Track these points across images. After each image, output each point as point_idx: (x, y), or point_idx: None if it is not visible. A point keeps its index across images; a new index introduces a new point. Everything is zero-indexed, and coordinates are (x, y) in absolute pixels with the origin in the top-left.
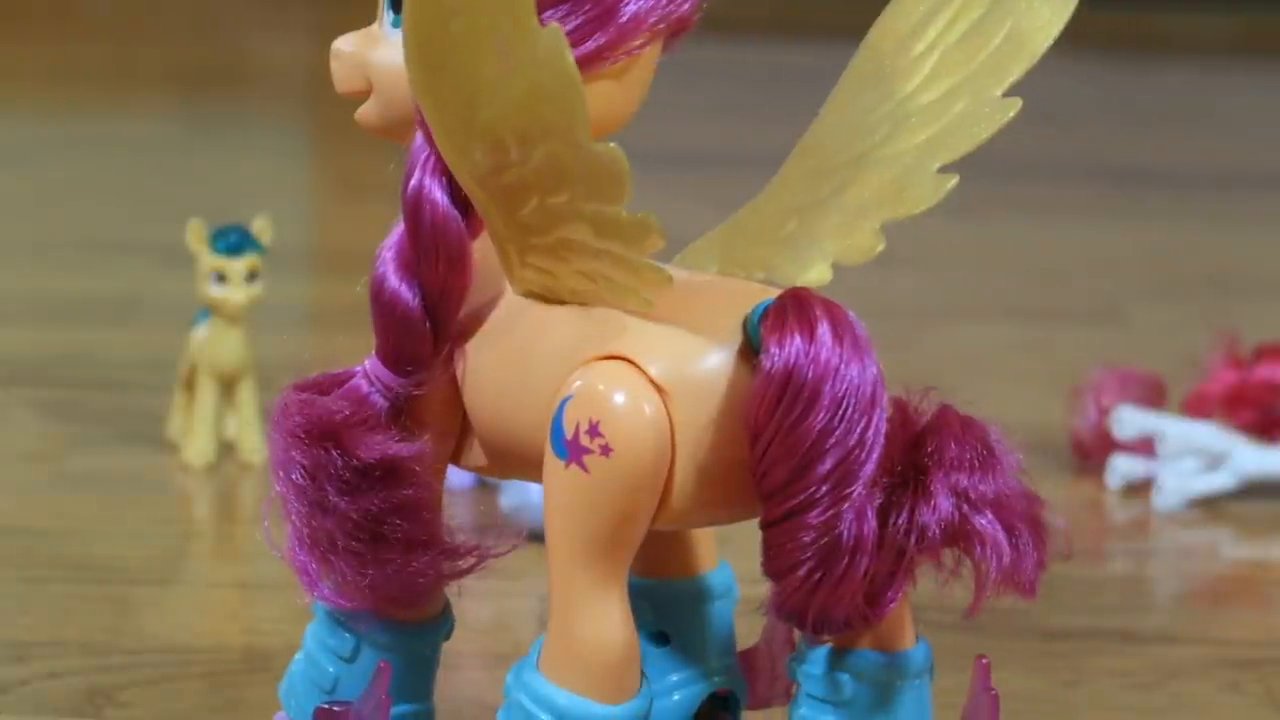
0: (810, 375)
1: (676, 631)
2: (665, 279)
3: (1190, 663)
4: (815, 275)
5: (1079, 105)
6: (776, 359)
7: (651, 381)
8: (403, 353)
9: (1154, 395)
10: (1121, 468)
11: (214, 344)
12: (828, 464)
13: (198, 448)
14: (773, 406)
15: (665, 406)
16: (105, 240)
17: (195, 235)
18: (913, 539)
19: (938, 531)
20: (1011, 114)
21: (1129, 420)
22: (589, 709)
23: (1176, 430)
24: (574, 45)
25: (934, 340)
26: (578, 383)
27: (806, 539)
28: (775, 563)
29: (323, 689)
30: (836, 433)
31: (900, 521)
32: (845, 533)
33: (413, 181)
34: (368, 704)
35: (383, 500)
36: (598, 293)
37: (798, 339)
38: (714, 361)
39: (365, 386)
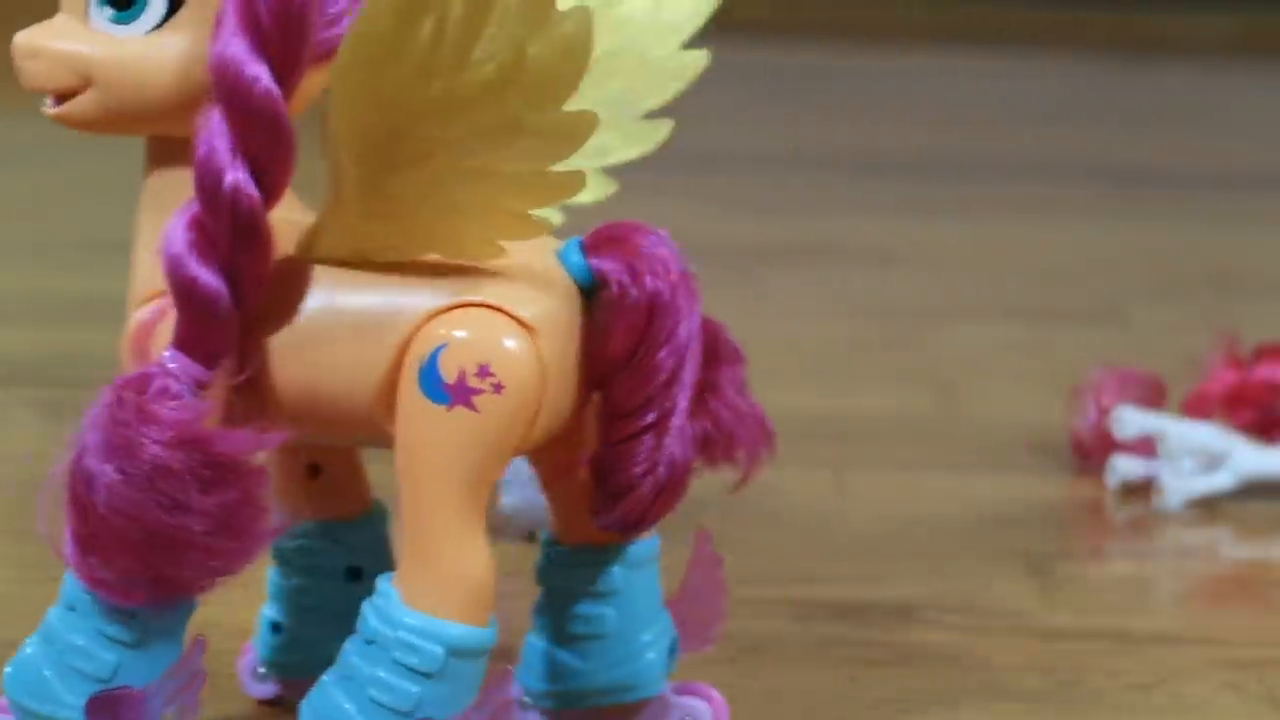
0: (671, 307)
1: (368, 566)
2: (547, 228)
3: (1190, 663)
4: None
5: (1079, 105)
6: (636, 293)
7: (522, 323)
8: (210, 343)
9: (1154, 395)
10: (1121, 468)
11: None
12: (674, 387)
13: None
14: (639, 336)
15: (537, 344)
16: (105, 240)
17: None
18: (712, 432)
19: (728, 420)
20: (701, 64)
21: (1129, 420)
22: (477, 635)
23: (1177, 430)
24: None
25: (934, 340)
26: (450, 331)
27: (649, 457)
28: (617, 479)
29: (98, 679)
30: (683, 361)
31: (702, 422)
32: (678, 447)
33: (228, 178)
34: (175, 680)
35: (235, 492)
36: (433, 249)
37: (658, 273)
38: (564, 299)
39: (174, 384)
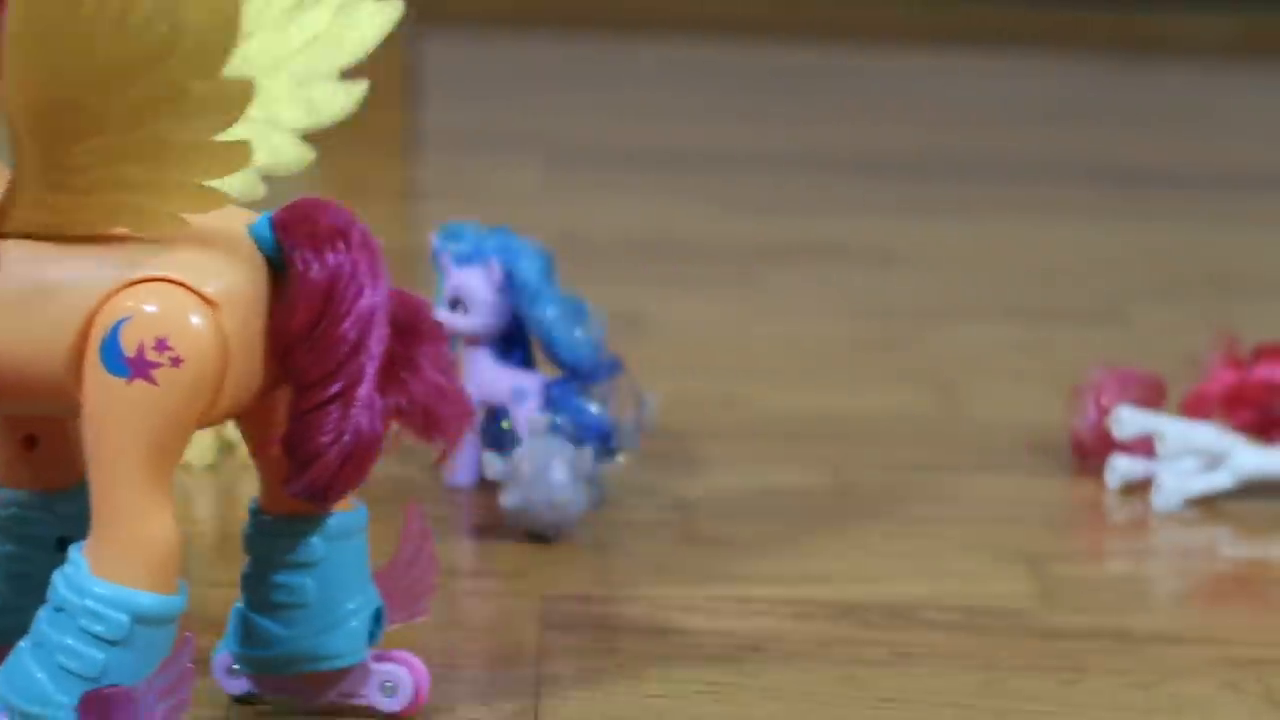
0: (353, 281)
1: (79, 536)
2: (223, 200)
3: (1189, 662)
4: (242, 188)
5: (1079, 105)
6: (318, 267)
7: (203, 297)
8: None
9: (1154, 395)
10: (1121, 467)
11: None
12: (359, 358)
13: (198, 448)
14: (320, 309)
15: (218, 319)
16: None
17: None
18: (404, 407)
19: (424, 398)
20: (395, 15)
21: (1129, 420)
22: (163, 603)
23: (1176, 430)
24: None
25: (934, 340)
26: (132, 304)
27: (334, 426)
28: (305, 448)
29: None
30: (366, 332)
31: (393, 396)
32: (365, 418)
33: None
34: None
35: None
36: (118, 222)
37: (339, 248)
38: (250, 274)
39: None
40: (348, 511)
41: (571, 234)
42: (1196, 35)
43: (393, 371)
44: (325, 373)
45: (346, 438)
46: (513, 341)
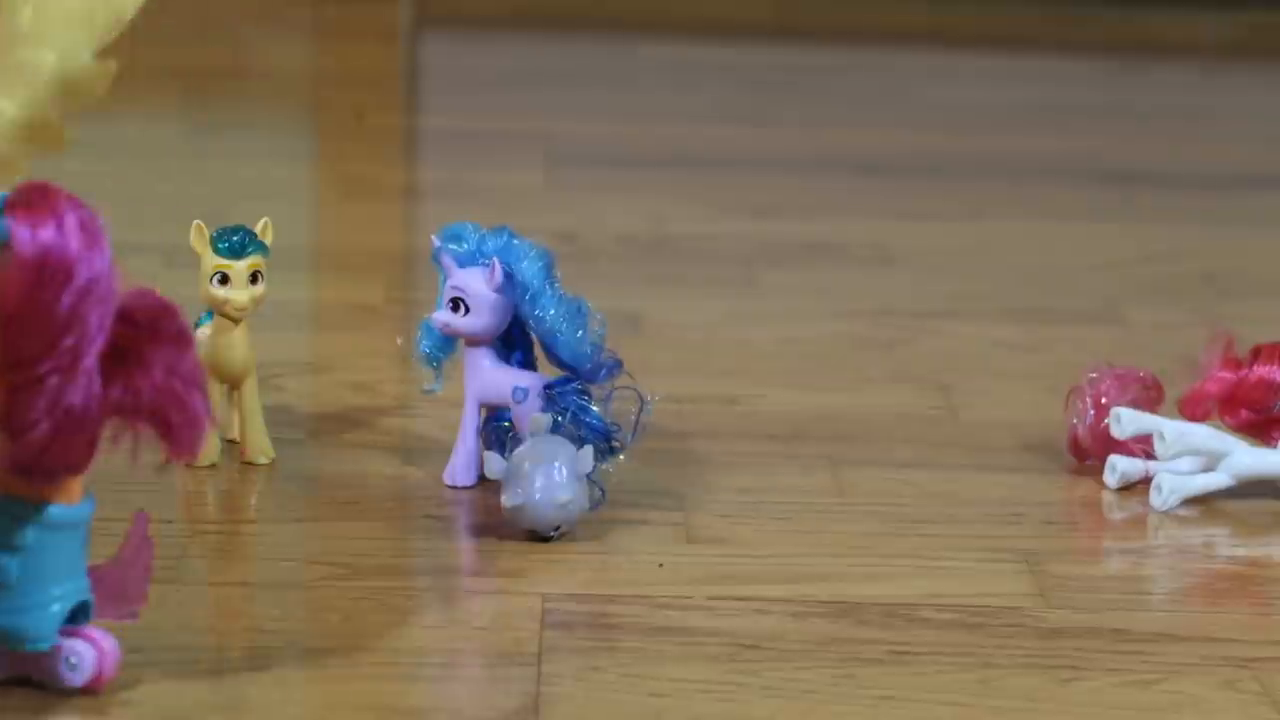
0: (64, 260)
1: None
2: None
3: (1187, 661)
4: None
5: (1079, 105)
6: (30, 244)
7: None
8: None
9: (1152, 395)
10: (1119, 467)
11: (218, 344)
12: (70, 339)
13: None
14: (30, 286)
15: None
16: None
17: (198, 236)
18: (129, 403)
19: (151, 397)
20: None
21: (1127, 420)
22: None
23: (1174, 430)
24: None
25: (934, 340)
26: None
27: (47, 402)
28: (15, 421)
29: None
30: (81, 312)
31: (117, 389)
32: (79, 397)
33: None
34: None
35: None
36: None
37: (51, 227)
38: None
39: None
40: (72, 505)
41: (571, 234)
42: (1196, 35)
43: (121, 366)
44: (38, 350)
45: (58, 412)
46: (513, 341)
